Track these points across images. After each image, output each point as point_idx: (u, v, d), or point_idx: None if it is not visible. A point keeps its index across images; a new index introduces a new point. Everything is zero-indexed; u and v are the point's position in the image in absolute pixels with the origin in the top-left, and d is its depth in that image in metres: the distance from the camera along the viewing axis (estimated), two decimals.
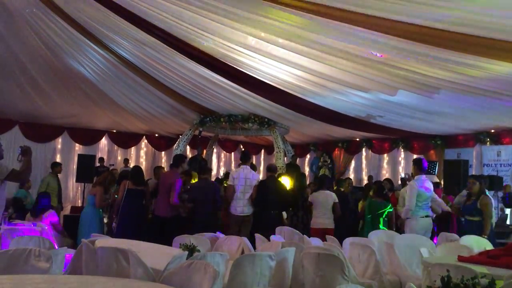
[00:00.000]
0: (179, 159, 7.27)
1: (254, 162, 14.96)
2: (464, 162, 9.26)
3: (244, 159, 7.23)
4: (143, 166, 13.59)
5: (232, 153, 15.42)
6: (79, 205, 11.34)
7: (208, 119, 11.10)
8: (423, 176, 6.44)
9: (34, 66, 8.85)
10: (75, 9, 6.98)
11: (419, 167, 6.48)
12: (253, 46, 6.99)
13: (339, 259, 3.43)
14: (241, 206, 6.59)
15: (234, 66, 7.89)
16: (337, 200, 6.81)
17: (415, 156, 12.17)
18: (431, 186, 6.44)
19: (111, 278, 2.66)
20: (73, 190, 12.29)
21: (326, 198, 6.84)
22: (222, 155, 15.20)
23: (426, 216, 6.19)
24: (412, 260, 4.31)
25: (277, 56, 7.14)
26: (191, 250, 3.63)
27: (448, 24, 5.07)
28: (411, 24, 5.28)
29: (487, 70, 6.12)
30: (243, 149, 14.23)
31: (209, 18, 6.34)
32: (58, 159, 11.64)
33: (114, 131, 13.31)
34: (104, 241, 3.62)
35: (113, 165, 12.12)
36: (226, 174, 8.13)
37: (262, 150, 15.85)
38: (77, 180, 11.05)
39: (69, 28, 7.46)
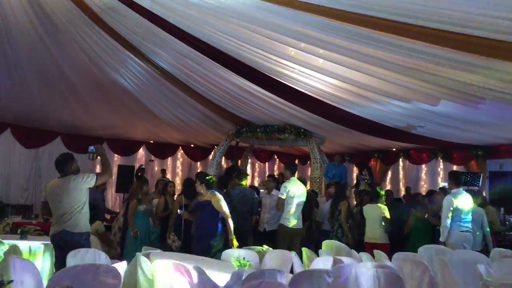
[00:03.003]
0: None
1: None
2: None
3: (293, 170, 7.18)
4: (179, 177, 13.80)
5: (266, 163, 15.40)
6: None
7: (244, 129, 11.12)
8: (460, 189, 6.27)
9: (77, 78, 9.12)
10: (117, 21, 7.15)
11: (455, 181, 6.33)
12: (293, 56, 6.99)
13: (397, 276, 3.34)
14: (295, 219, 6.53)
15: (273, 77, 7.89)
16: (386, 214, 6.66)
17: (454, 167, 11.90)
18: (470, 200, 6.25)
19: None
20: (112, 200, 12.50)
21: (375, 212, 6.72)
22: (257, 165, 15.20)
23: (466, 231, 6.00)
24: (467, 277, 4.15)
25: (316, 66, 7.11)
26: (242, 264, 3.61)
27: (492, 32, 4.94)
28: (453, 33, 5.16)
29: None
30: (288, 161, 14.09)
31: (248, 29, 6.38)
32: (98, 169, 11.86)
33: (152, 142, 13.51)
34: (158, 255, 3.63)
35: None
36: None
37: (296, 160, 15.76)
38: (117, 191, 11.25)
39: (111, 40, 7.64)
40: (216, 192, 5.90)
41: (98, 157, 4.80)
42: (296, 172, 7.45)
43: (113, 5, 6.58)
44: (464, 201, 6.04)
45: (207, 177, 6.02)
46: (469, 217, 6.10)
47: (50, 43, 7.88)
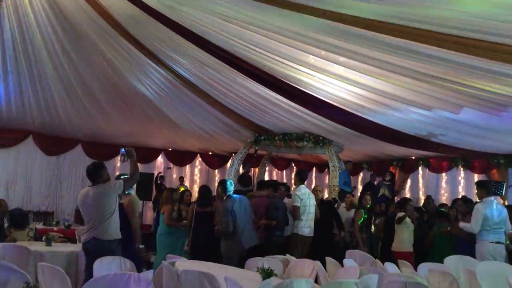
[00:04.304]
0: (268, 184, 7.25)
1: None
2: None
3: (303, 178, 7.16)
4: (197, 184, 13.82)
5: (284, 171, 15.36)
6: None
7: (262, 137, 11.13)
8: (492, 198, 6.16)
9: (99, 87, 9.23)
10: (138, 30, 7.23)
11: (485, 189, 6.23)
12: (313, 64, 6.97)
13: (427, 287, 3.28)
14: (308, 227, 6.54)
15: (293, 85, 7.89)
16: (408, 221, 6.57)
17: (476, 176, 11.73)
18: (502, 210, 6.08)
19: None
20: None
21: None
22: (274, 173, 15.16)
23: (497, 242, 5.82)
24: None
25: (336, 74, 7.09)
26: (268, 274, 3.58)
27: None
28: (476, 40, 5.10)
29: None
30: (299, 169, 14.04)
31: (268, 37, 6.39)
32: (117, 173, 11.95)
33: (170, 149, 13.59)
34: (183, 264, 3.63)
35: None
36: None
37: (314, 168, 15.69)
38: None
39: (133, 49, 7.73)
40: (132, 194, 5.58)
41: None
42: (306, 179, 7.41)
43: (135, 14, 6.66)
44: (495, 210, 5.90)
45: (122, 177, 5.59)
46: (501, 228, 5.92)
47: (73, 53, 8.00)
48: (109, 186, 4.60)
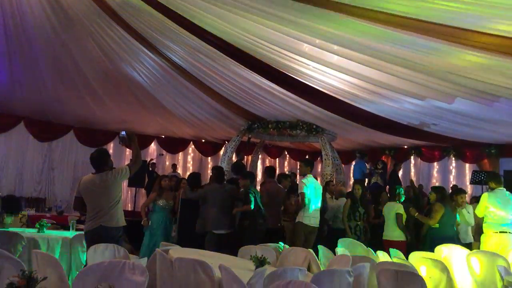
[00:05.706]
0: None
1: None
2: None
3: (312, 167, 7.18)
4: (189, 172, 13.83)
5: (277, 159, 15.39)
6: (130, 209, 11.60)
7: (255, 125, 11.12)
8: (501, 188, 6.24)
9: (91, 72, 9.14)
10: (132, 16, 7.15)
11: (494, 179, 6.38)
12: (307, 52, 6.95)
13: (419, 277, 3.32)
14: (315, 217, 6.54)
15: (287, 73, 7.87)
16: (399, 211, 6.62)
17: (467, 165, 11.85)
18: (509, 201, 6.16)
19: None
20: (124, 195, 12.53)
21: (390, 210, 6.71)
22: (267, 161, 15.19)
23: (502, 232, 5.87)
24: (487, 277, 4.12)
25: (331, 63, 7.07)
26: (261, 262, 3.61)
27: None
28: (470, 31, 5.11)
29: None
30: (307, 157, 14.13)
31: (264, 25, 6.35)
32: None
33: (163, 136, 13.55)
34: (177, 251, 3.64)
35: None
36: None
37: (306, 157, 15.74)
38: (129, 185, 11.29)
39: (126, 34, 7.65)
40: None
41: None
42: (313, 167, 7.46)
43: (129, 0, 6.59)
44: (501, 201, 5.98)
45: None
46: (508, 218, 5.96)
47: (66, 37, 7.92)
48: (116, 172, 4.51)
